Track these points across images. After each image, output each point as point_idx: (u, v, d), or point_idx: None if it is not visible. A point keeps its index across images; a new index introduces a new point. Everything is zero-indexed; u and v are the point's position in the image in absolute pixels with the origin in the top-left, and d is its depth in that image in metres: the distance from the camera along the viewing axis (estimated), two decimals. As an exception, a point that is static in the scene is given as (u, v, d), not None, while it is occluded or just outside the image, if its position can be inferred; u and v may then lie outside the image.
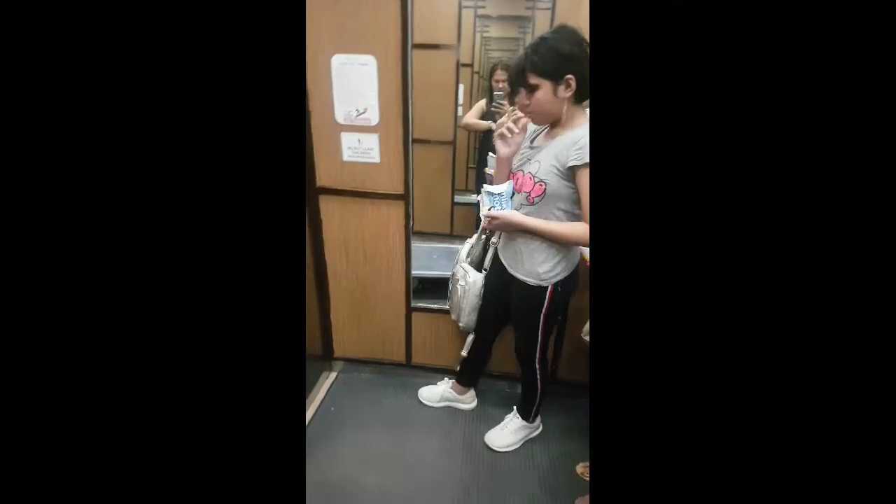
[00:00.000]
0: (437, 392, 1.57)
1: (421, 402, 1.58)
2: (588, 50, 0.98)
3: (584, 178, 0.99)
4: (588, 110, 1.05)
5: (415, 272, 1.57)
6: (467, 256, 1.36)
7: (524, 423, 1.43)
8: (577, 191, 1.02)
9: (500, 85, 2.03)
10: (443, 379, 1.60)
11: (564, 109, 1.02)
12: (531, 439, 1.45)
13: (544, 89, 0.98)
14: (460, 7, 2.32)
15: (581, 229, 1.03)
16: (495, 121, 2.02)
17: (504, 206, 1.07)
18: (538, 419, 1.46)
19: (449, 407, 1.56)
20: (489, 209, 1.08)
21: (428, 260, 1.94)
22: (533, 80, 0.98)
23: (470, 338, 1.43)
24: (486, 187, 1.09)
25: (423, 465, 1.35)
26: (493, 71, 2.09)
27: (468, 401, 1.57)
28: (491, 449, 1.41)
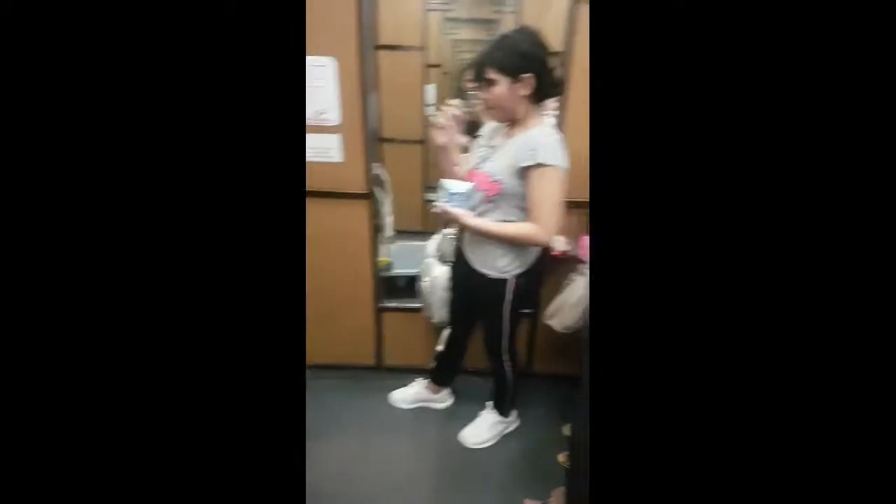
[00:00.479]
0: (411, 393, 1.55)
1: (393, 406, 1.55)
2: (547, 52, 1.01)
3: (534, 179, 1.01)
4: (545, 112, 1.07)
5: (399, 271, 1.55)
6: (436, 251, 1.37)
7: (499, 417, 1.43)
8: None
9: (471, 85, 2.04)
10: (415, 380, 1.58)
11: (522, 109, 1.04)
12: (507, 434, 1.45)
13: (502, 85, 1.00)
14: (425, 9, 2.34)
15: (527, 230, 1.05)
16: (468, 118, 2.02)
17: (461, 204, 1.07)
18: (514, 413, 1.46)
19: (423, 407, 1.55)
20: (445, 202, 1.09)
21: (412, 258, 1.90)
22: (492, 74, 1.00)
23: (445, 332, 1.43)
24: (445, 183, 1.09)
25: (397, 469, 1.33)
26: (465, 71, 2.10)
27: (443, 400, 1.55)
28: (465, 447, 1.40)
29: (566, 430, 1.47)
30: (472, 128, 1.98)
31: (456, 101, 1.10)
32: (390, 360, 1.65)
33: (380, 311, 1.56)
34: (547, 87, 1.03)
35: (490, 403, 1.45)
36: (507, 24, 2.65)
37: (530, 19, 2.35)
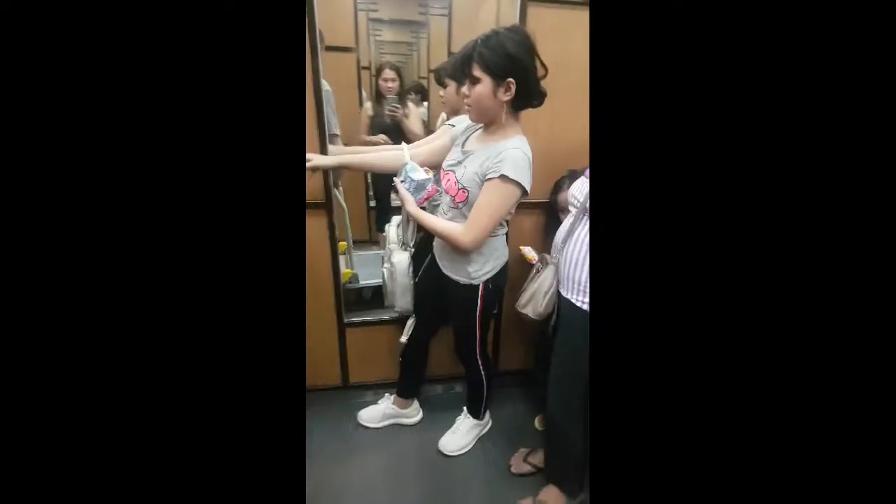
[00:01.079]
0: (379, 411, 1.48)
1: (362, 426, 1.47)
2: (534, 59, 0.95)
3: (489, 187, 0.98)
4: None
5: (364, 282, 1.46)
6: (397, 238, 1.33)
7: (475, 421, 1.43)
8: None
9: (390, 85, 2.01)
10: (383, 396, 1.52)
11: (502, 114, 0.99)
12: (482, 436, 1.46)
13: (485, 85, 0.94)
14: (356, 10, 2.25)
15: (455, 231, 1.03)
16: (390, 122, 1.98)
17: (412, 190, 1.08)
18: (487, 414, 1.47)
19: (394, 424, 1.49)
20: (401, 181, 1.08)
21: (373, 267, 1.74)
22: (477, 72, 0.94)
23: (410, 321, 1.38)
24: (409, 164, 1.08)
25: (375, 491, 1.27)
26: (379, 71, 2.06)
27: (413, 414, 1.50)
28: (445, 455, 1.38)
29: (537, 422, 1.52)
30: (393, 129, 1.96)
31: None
32: (357, 377, 1.56)
33: (344, 327, 1.46)
34: (529, 94, 0.98)
35: (465, 408, 1.45)
36: (434, 26, 2.66)
37: (461, 21, 2.39)
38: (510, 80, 0.94)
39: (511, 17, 1.27)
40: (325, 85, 1.50)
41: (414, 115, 2.05)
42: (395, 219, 1.42)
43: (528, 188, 0.99)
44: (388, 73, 1.99)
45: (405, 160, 1.10)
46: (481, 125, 1.08)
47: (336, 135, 1.58)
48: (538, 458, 1.34)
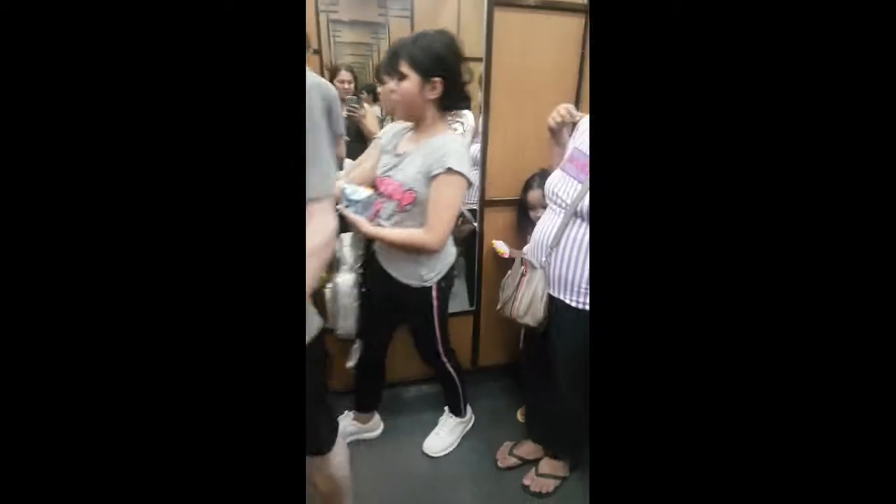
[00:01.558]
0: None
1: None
2: (461, 62, 0.99)
3: (438, 184, 1.00)
4: (450, 120, 1.05)
5: None
6: (350, 258, 1.30)
7: (457, 419, 1.44)
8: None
9: (346, 87, 2.01)
10: (342, 413, 1.45)
11: (429, 113, 1.02)
12: (466, 433, 1.47)
13: (412, 82, 0.97)
14: (317, 11, 2.21)
15: (418, 237, 1.04)
16: (349, 123, 1.96)
17: (360, 212, 1.05)
18: (469, 411, 1.48)
19: (355, 441, 1.42)
20: (345, 206, 1.05)
21: None
22: (404, 68, 0.97)
23: (355, 346, 1.33)
24: (346, 188, 1.05)
25: (364, 497, 1.25)
26: (335, 72, 2.05)
27: (374, 427, 1.46)
28: (430, 456, 1.38)
29: (520, 415, 1.54)
30: (351, 130, 1.94)
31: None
32: (337, 383, 1.53)
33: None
34: (455, 96, 1.02)
35: (446, 408, 1.45)
36: (394, 28, 2.65)
37: (423, 22, 2.39)
38: (436, 79, 0.97)
39: (472, 19, 1.29)
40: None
41: (370, 114, 2.05)
42: (345, 237, 1.36)
43: (471, 180, 1.03)
44: (345, 75, 2.00)
45: (341, 186, 1.07)
46: (411, 127, 1.09)
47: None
48: (523, 451, 1.36)
